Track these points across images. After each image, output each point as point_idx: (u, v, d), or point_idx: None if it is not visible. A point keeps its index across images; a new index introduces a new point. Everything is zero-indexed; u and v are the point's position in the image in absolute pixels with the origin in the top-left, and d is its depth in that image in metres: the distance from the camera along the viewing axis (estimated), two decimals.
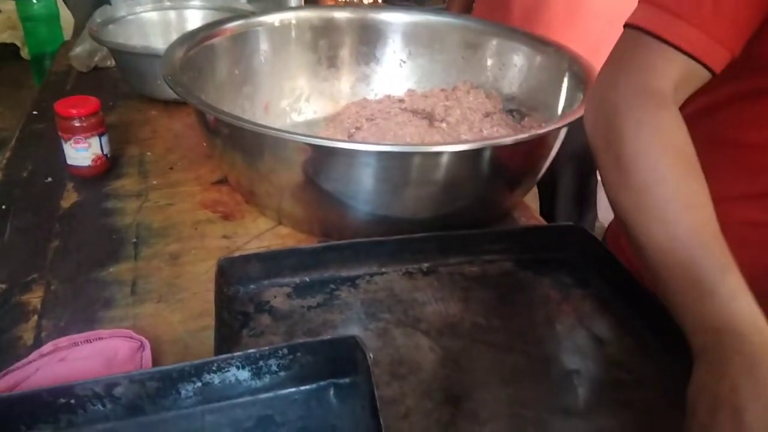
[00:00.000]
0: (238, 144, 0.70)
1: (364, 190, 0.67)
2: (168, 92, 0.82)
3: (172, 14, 1.28)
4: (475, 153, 0.65)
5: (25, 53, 3.36)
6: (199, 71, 0.83)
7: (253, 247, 0.72)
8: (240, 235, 0.75)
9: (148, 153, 0.93)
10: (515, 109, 0.93)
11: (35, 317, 0.60)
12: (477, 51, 0.99)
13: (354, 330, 0.58)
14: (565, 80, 0.84)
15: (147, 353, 0.54)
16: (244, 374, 0.41)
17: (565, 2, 1.08)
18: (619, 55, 0.52)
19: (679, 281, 0.45)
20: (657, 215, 0.47)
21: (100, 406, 0.40)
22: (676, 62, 0.48)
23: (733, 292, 0.42)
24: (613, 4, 1.03)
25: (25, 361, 0.52)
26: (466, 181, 0.68)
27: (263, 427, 0.41)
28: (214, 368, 0.41)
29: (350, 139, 0.89)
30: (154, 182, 0.85)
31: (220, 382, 0.41)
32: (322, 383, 0.43)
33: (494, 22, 1.01)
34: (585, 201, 1.38)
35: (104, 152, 0.85)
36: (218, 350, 0.48)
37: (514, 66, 0.95)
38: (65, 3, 1.70)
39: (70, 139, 0.81)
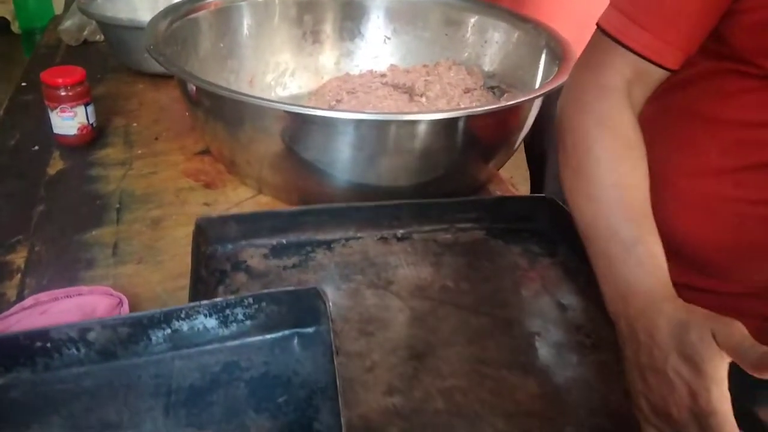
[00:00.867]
0: (219, 114, 0.72)
1: (342, 159, 0.69)
2: (155, 66, 0.83)
3: None
4: (450, 123, 0.67)
5: (15, 27, 3.36)
6: (183, 44, 0.84)
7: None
8: (221, 202, 0.76)
9: (134, 124, 0.95)
10: (496, 86, 0.95)
11: (18, 275, 0.62)
12: (460, 28, 1.00)
13: (327, 290, 0.59)
14: (543, 57, 0.86)
15: (125, 309, 0.55)
16: (211, 322, 0.43)
17: None
18: (585, 53, 0.57)
19: (599, 254, 0.50)
20: (587, 192, 0.52)
21: (75, 350, 0.42)
22: (628, 61, 0.52)
23: (640, 259, 0.46)
24: None
25: (6, 313, 0.54)
26: (441, 151, 0.70)
27: (229, 372, 0.43)
28: (182, 315, 0.43)
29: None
30: (139, 152, 0.87)
31: (188, 330, 0.43)
32: (286, 332, 0.45)
33: None
34: None
35: (90, 122, 0.86)
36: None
37: (495, 43, 0.96)
38: None
39: (56, 108, 0.83)
